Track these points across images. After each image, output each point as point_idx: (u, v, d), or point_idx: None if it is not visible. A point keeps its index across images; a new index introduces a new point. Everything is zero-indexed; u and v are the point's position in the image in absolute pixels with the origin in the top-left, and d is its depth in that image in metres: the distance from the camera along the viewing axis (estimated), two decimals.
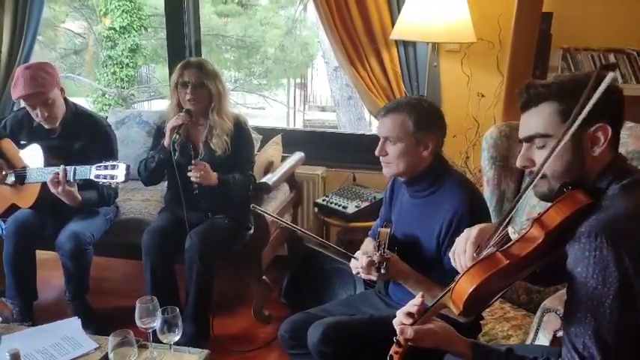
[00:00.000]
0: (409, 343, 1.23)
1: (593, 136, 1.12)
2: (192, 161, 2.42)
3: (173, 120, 2.42)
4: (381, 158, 1.76)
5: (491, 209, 2.27)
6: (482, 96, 2.76)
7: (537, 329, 1.68)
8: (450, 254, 1.26)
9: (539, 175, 1.15)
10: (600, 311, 1.04)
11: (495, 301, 1.35)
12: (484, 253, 1.16)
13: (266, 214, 2.29)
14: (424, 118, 1.71)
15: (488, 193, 2.28)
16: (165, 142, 2.43)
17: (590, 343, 1.05)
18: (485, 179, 2.31)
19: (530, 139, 1.19)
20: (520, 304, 2.09)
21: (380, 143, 1.74)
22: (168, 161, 2.44)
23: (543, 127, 1.15)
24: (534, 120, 1.17)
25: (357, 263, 1.69)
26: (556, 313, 1.65)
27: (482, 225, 1.25)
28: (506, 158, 2.25)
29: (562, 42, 2.57)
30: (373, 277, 1.65)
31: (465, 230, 1.26)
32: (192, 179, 2.39)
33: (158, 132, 2.63)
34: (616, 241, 1.02)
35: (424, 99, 1.94)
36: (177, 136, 2.39)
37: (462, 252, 1.23)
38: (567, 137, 1.09)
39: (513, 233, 1.18)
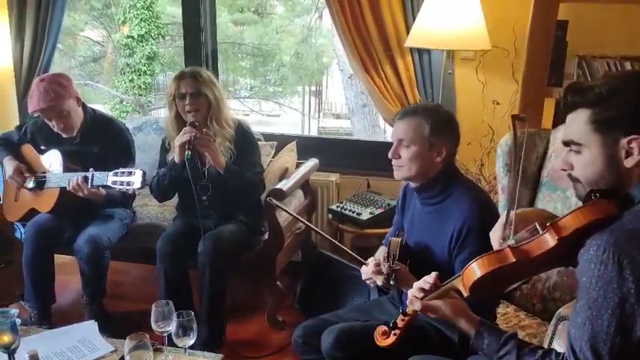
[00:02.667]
0: (417, 314, 1.32)
1: (627, 147, 1.09)
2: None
3: (180, 136, 2.37)
4: (393, 161, 1.76)
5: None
6: (497, 103, 2.75)
7: (552, 337, 1.66)
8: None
9: (574, 179, 1.17)
10: (598, 322, 1.05)
11: (508, 290, 1.42)
12: (507, 242, 1.20)
13: (282, 208, 2.27)
14: (440, 124, 1.72)
15: (503, 200, 2.27)
16: (176, 158, 2.39)
17: (585, 348, 1.06)
18: (500, 187, 2.30)
19: (566, 144, 1.19)
20: (535, 312, 2.08)
21: (394, 146, 1.75)
22: (182, 177, 2.41)
23: (577, 134, 1.14)
24: (571, 126, 1.16)
25: (367, 269, 1.70)
26: None
27: (527, 209, 1.28)
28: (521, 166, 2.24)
29: (578, 50, 2.56)
30: (379, 282, 1.68)
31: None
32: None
33: (163, 147, 2.62)
34: (622, 261, 1.02)
35: (442, 106, 1.95)
36: (189, 152, 2.33)
37: (492, 231, 1.29)
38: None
39: (538, 230, 1.18)
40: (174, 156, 2.40)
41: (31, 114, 2.56)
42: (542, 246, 1.13)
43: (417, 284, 1.33)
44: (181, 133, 2.37)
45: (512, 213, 1.25)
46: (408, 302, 1.32)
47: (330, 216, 3.02)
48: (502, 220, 1.28)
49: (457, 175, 1.82)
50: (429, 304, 1.30)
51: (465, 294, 1.23)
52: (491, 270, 1.15)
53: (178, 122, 2.49)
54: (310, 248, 3.15)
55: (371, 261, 1.73)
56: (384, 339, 1.41)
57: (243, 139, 2.55)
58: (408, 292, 1.35)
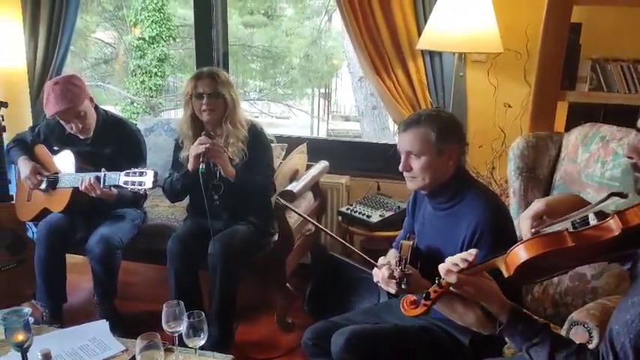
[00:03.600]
0: (450, 288, 1.26)
1: None
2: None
3: (195, 146, 2.38)
4: (405, 173, 1.75)
5: (517, 221, 2.25)
6: (509, 106, 2.74)
7: None
8: (520, 217, 1.30)
9: None
10: None
11: (549, 279, 1.37)
12: (549, 228, 1.16)
13: (291, 209, 2.27)
14: (445, 128, 1.71)
15: (514, 204, 2.26)
16: (190, 167, 2.41)
17: (628, 346, 1.04)
18: (511, 190, 2.29)
19: None
20: (546, 316, 2.06)
21: (403, 158, 1.73)
22: (194, 182, 2.42)
23: None
24: None
25: (379, 273, 1.68)
26: (584, 326, 1.63)
27: (550, 200, 1.26)
28: (533, 169, 2.23)
29: (591, 52, 2.54)
30: (392, 289, 1.63)
31: (535, 201, 1.28)
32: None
33: (176, 147, 2.64)
34: None
35: (442, 110, 1.96)
36: (203, 166, 2.35)
37: (523, 219, 1.26)
38: None
39: (593, 219, 1.15)
40: (189, 164, 2.42)
41: (49, 117, 2.57)
42: (604, 233, 1.08)
43: (452, 258, 1.30)
44: (197, 142, 2.39)
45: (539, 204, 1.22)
46: (443, 274, 1.28)
47: (340, 218, 3.02)
48: (530, 211, 1.25)
49: (468, 178, 1.82)
50: (465, 278, 1.25)
51: (507, 274, 1.18)
52: (544, 252, 1.09)
53: (194, 121, 2.50)
54: (320, 250, 3.15)
55: (381, 261, 1.71)
56: (412, 308, 1.36)
57: (256, 140, 2.56)
58: (440, 266, 1.31)
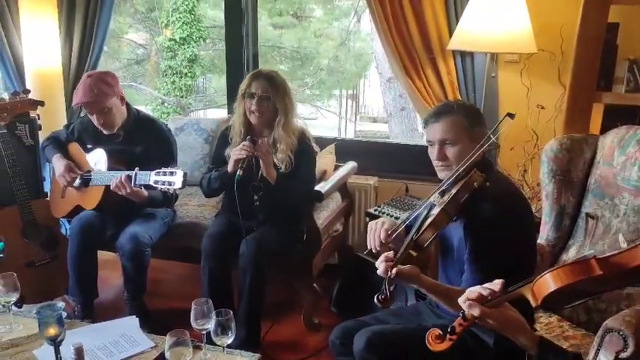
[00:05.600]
0: (475, 321, 1.23)
1: None
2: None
3: (238, 150, 2.37)
4: (438, 163, 1.75)
5: (549, 224, 2.21)
6: (542, 108, 2.69)
7: (598, 350, 1.61)
8: None
9: None
10: None
11: (579, 304, 1.33)
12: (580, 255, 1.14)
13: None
14: (474, 114, 1.74)
15: (547, 207, 2.22)
16: (229, 169, 2.41)
17: None
18: (544, 193, 2.24)
19: None
20: (579, 323, 2.01)
21: (437, 148, 1.73)
22: (231, 185, 2.40)
23: None
24: None
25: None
26: (619, 333, 1.58)
27: None
28: (567, 172, 2.18)
29: (628, 53, 2.48)
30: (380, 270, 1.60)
31: None
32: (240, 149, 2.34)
33: (222, 140, 2.64)
34: None
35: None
36: (241, 172, 2.33)
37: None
38: None
39: (623, 242, 1.13)
40: (228, 166, 2.42)
41: (74, 106, 2.63)
42: (633, 260, 1.04)
43: (475, 288, 1.27)
44: (239, 146, 2.38)
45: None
46: (466, 308, 1.25)
47: (368, 219, 3.00)
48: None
49: (488, 163, 1.81)
50: (489, 312, 1.22)
51: (535, 304, 1.15)
52: (572, 282, 1.07)
53: (245, 119, 2.50)
54: (347, 251, 3.15)
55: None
56: (437, 343, 1.33)
57: (303, 149, 2.54)
58: (459, 299, 1.28)
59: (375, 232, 1.77)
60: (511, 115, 1.65)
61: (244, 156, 2.34)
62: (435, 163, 1.76)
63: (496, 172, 1.83)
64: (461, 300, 1.27)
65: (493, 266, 1.53)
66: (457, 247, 1.72)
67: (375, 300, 1.57)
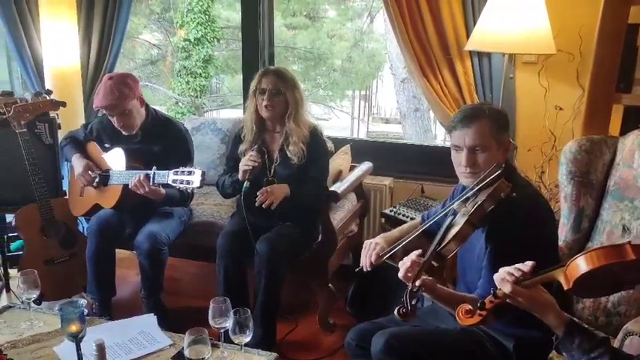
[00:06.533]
0: (506, 299, 1.26)
1: None
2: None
3: (245, 160, 2.44)
4: (466, 169, 1.70)
5: (568, 226, 2.19)
6: (560, 109, 2.67)
7: None
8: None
9: None
10: None
11: (609, 294, 1.34)
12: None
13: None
14: (502, 119, 1.71)
15: (565, 209, 2.20)
16: (240, 176, 2.46)
17: None
18: (562, 195, 2.22)
19: None
20: (598, 326, 1.99)
21: (467, 154, 1.68)
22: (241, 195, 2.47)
23: None
24: None
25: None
26: (639, 336, 1.57)
27: None
28: (586, 174, 2.16)
29: None
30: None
31: None
32: (257, 203, 2.42)
33: (236, 140, 2.67)
34: None
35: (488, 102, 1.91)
36: (248, 184, 2.41)
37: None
38: None
39: None
40: (238, 174, 2.47)
41: (94, 109, 2.66)
42: None
43: (508, 268, 1.28)
44: (247, 157, 2.45)
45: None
46: (498, 284, 1.27)
47: (383, 220, 3.00)
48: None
49: (513, 169, 1.80)
50: (519, 290, 1.24)
51: (566, 287, 1.16)
52: (604, 264, 1.07)
53: (257, 116, 2.55)
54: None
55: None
56: (467, 317, 1.35)
57: (316, 143, 2.58)
58: (495, 275, 1.30)
59: (368, 252, 1.83)
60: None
61: (251, 167, 2.41)
62: (462, 169, 1.71)
63: (519, 177, 1.81)
64: (495, 277, 1.29)
65: None
66: (478, 254, 1.70)
67: (396, 313, 1.55)
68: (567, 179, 2.19)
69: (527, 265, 1.26)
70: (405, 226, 2.11)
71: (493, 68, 2.77)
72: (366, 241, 1.84)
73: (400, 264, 1.62)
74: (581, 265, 1.11)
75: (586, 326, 1.28)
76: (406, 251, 1.74)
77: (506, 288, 1.25)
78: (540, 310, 1.25)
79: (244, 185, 2.41)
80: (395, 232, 2.03)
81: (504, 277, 1.27)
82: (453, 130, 1.72)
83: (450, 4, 2.72)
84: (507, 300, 1.26)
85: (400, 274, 1.61)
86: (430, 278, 1.57)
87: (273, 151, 2.58)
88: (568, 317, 1.24)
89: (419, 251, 1.61)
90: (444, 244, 1.57)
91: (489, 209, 1.56)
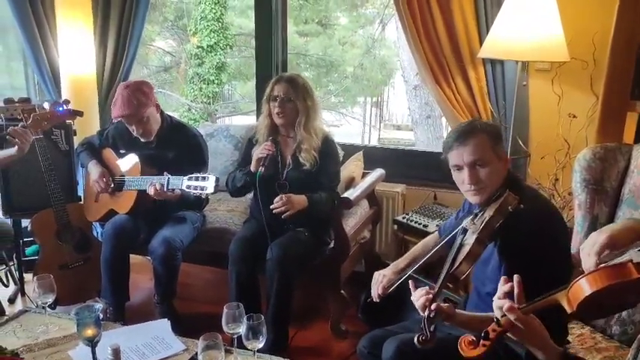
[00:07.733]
0: (510, 327, 1.22)
1: None
2: (278, 185, 2.51)
3: (260, 149, 2.48)
4: (470, 187, 1.68)
5: (582, 234, 2.18)
6: (574, 117, 2.66)
7: None
8: (580, 249, 1.23)
9: None
10: None
11: (614, 314, 1.31)
12: (616, 260, 1.11)
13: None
14: (495, 131, 1.72)
15: (579, 217, 2.19)
16: (252, 167, 2.50)
17: None
18: (576, 203, 2.21)
19: None
20: (612, 335, 1.98)
21: (469, 171, 1.66)
22: (254, 183, 2.51)
23: None
24: None
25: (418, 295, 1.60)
26: None
27: (614, 230, 1.20)
28: (601, 181, 2.14)
29: None
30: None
31: (595, 232, 1.22)
32: (275, 211, 2.44)
33: (249, 143, 2.71)
34: None
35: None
36: (262, 169, 2.45)
37: (586, 255, 1.19)
38: None
39: None
40: (251, 165, 2.50)
41: (114, 120, 2.69)
42: None
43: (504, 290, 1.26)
44: (262, 146, 2.49)
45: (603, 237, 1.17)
46: (505, 309, 1.23)
47: (395, 227, 3.00)
48: (596, 246, 1.18)
49: (517, 180, 1.78)
50: (523, 317, 1.20)
51: (570, 310, 1.13)
52: (607, 285, 1.04)
53: (270, 122, 2.58)
54: (374, 259, 3.14)
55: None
56: (470, 349, 1.30)
57: (327, 150, 2.61)
58: (495, 302, 1.28)
59: (376, 285, 1.91)
60: None
61: (265, 155, 2.45)
62: (466, 187, 1.69)
63: (526, 187, 1.79)
64: (497, 304, 1.26)
65: (529, 289, 1.51)
66: (492, 266, 1.69)
67: (415, 341, 1.52)
68: (581, 187, 2.18)
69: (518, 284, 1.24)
70: (418, 245, 2.10)
71: (506, 75, 2.76)
72: (375, 273, 1.90)
73: (413, 298, 1.60)
74: (583, 287, 1.08)
75: (581, 357, 1.26)
76: (426, 265, 1.77)
77: (514, 316, 1.20)
78: (536, 340, 1.23)
79: (259, 171, 2.45)
80: (407, 256, 2.05)
81: (510, 305, 1.23)
82: (449, 150, 1.70)
83: (462, 12, 2.73)
84: (510, 329, 1.22)
85: (417, 304, 1.59)
86: (447, 305, 1.55)
87: (285, 156, 2.60)
88: (561, 350, 1.22)
89: (427, 288, 1.58)
90: (456, 266, 1.55)
91: (498, 224, 1.54)
